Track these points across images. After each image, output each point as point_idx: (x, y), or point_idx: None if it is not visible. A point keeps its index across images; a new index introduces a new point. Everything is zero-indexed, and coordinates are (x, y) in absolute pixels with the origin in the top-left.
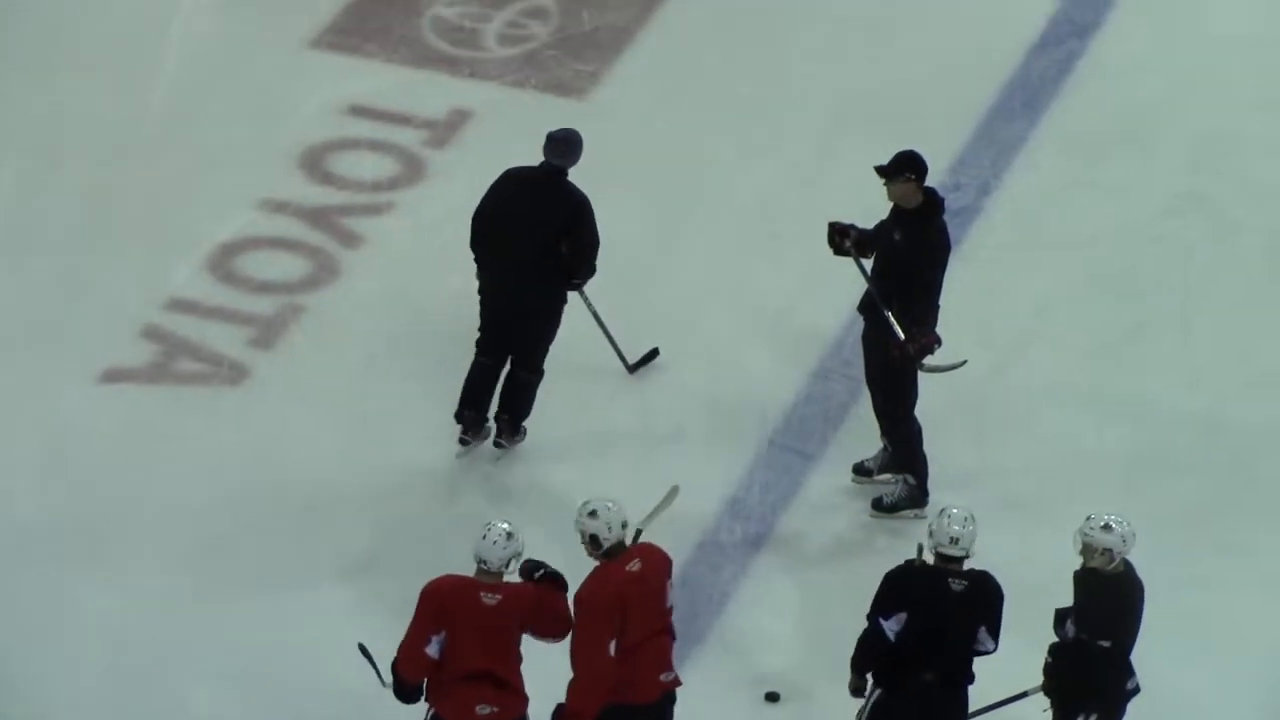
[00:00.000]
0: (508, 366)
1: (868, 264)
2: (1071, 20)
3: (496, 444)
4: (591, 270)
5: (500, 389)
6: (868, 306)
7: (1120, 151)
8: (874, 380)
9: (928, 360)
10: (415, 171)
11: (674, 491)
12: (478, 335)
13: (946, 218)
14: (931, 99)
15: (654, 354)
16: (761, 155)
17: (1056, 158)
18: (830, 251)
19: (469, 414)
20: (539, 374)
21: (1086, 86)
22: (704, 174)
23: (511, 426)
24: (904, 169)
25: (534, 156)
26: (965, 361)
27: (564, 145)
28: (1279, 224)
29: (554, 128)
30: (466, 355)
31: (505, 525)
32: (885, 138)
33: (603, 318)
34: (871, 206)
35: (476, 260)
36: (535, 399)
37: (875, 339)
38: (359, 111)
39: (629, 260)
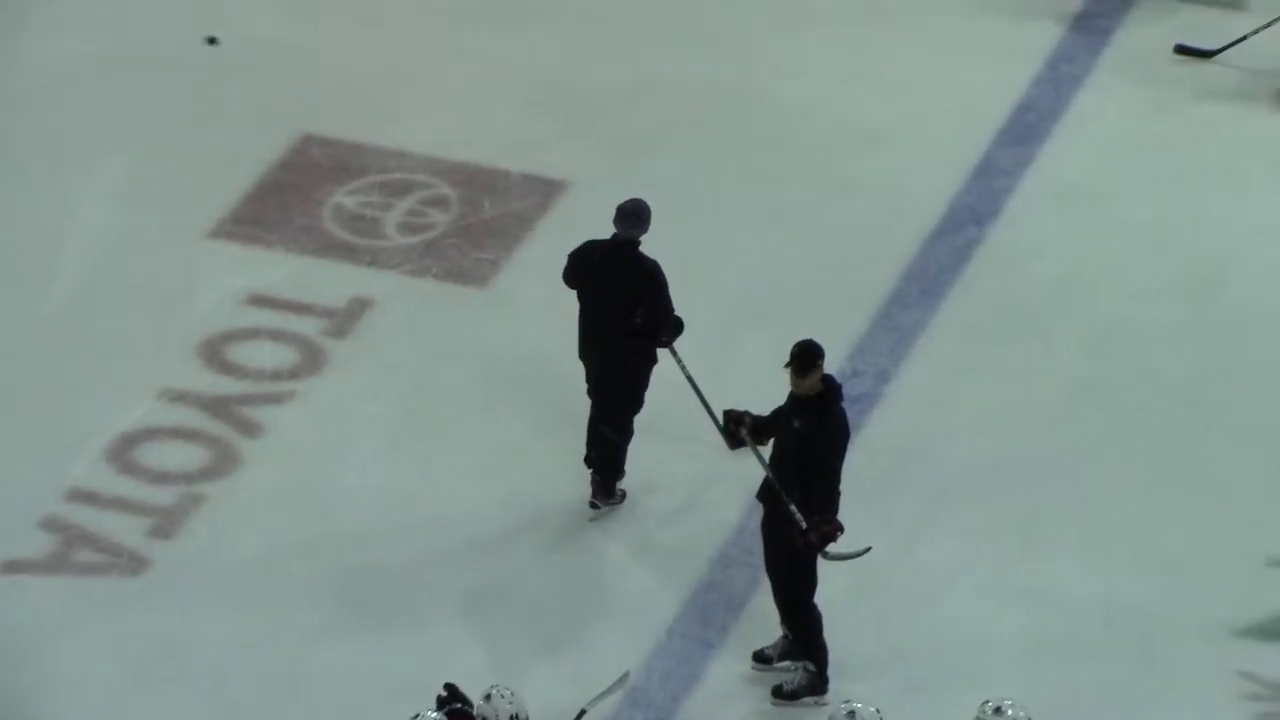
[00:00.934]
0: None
1: (765, 451)
2: (970, 208)
3: (591, 504)
4: (678, 328)
5: (593, 445)
6: (767, 494)
7: (1018, 338)
8: (774, 568)
9: (831, 548)
10: (315, 360)
11: (625, 677)
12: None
13: (846, 404)
14: (831, 287)
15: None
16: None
17: (955, 344)
18: (728, 443)
19: (594, 455)
20: (624, 434)
21: (984, 273)
22: None
23: (604, 488)
24: (815, 359)
25: (438, 343)
26: (869, 548)
27: (634, 217)
28: (1177, 410)
29: (455, 311)
30: (365, 544)
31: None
32: (786, 326)
33: (698, 381)
34: (774, 395)
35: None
36: (624, 461)
37: (775, 527)
38: (259, 301)
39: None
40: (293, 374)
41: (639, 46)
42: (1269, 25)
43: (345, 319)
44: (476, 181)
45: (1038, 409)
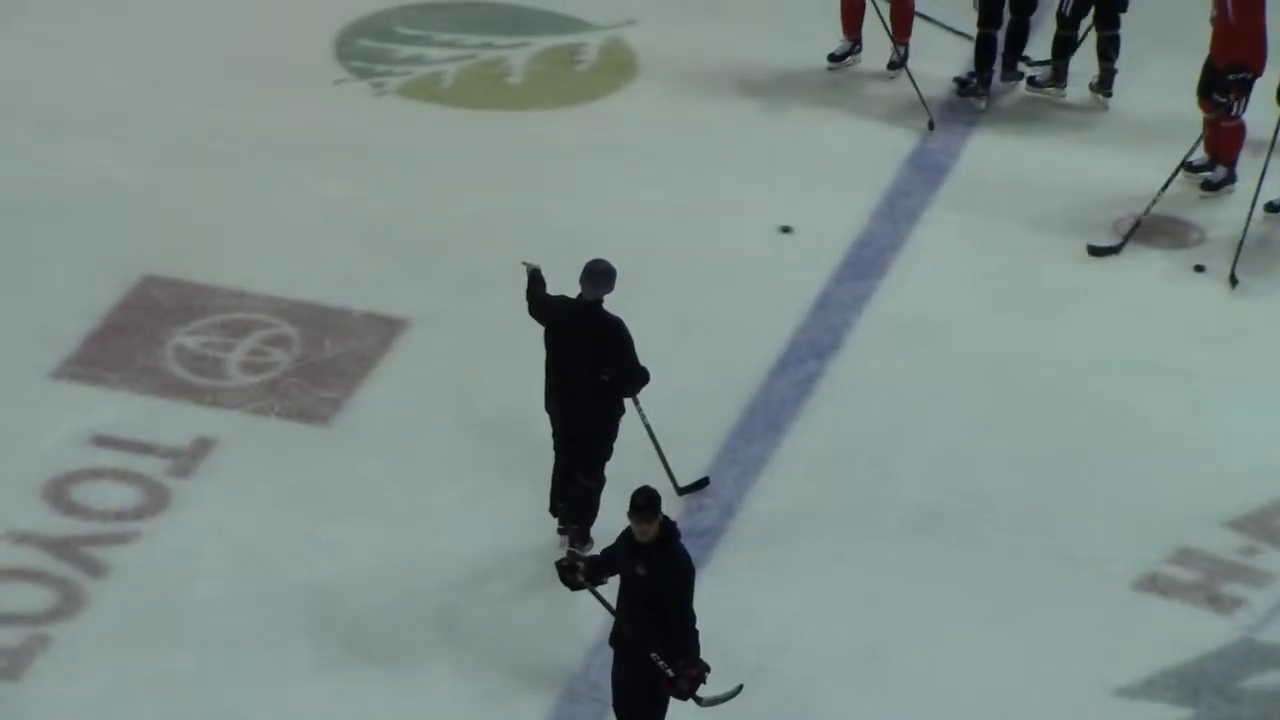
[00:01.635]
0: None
1: (604, 589)
2: (810, 342)
3: (570, 553)
4: (644, 380)
5: (567, 497)
6: (618, 640)
7: (860, 470)
8: (622, 711)
9: (702, 692)
10: (160, 500)
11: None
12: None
13: (692, 539)
14: (675, 422)
15: (705, 482)
16: (503, 488)
17: (798, 476)
18: (568, 589)
19: (560, 505)
20: (597, 481)
21: (826, 406)
22: (442, 501)
23: (580, 535)
24: (658, 505)
25: (282, 481)
26: (741, 687)
27: (603, 277)
28: (1018, 540)
29: (298, 449)
30: (209, 684)
31: None
32: (631, 461)
33: (656, 434)
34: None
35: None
36: (598, 506)
37: (624, 671)
38: (102, 441)
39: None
40: (137, 514)
41: (477, 185)
42: (1165, 188)
43: (189, 458)
44: (318, 320)
45: (879, 541)
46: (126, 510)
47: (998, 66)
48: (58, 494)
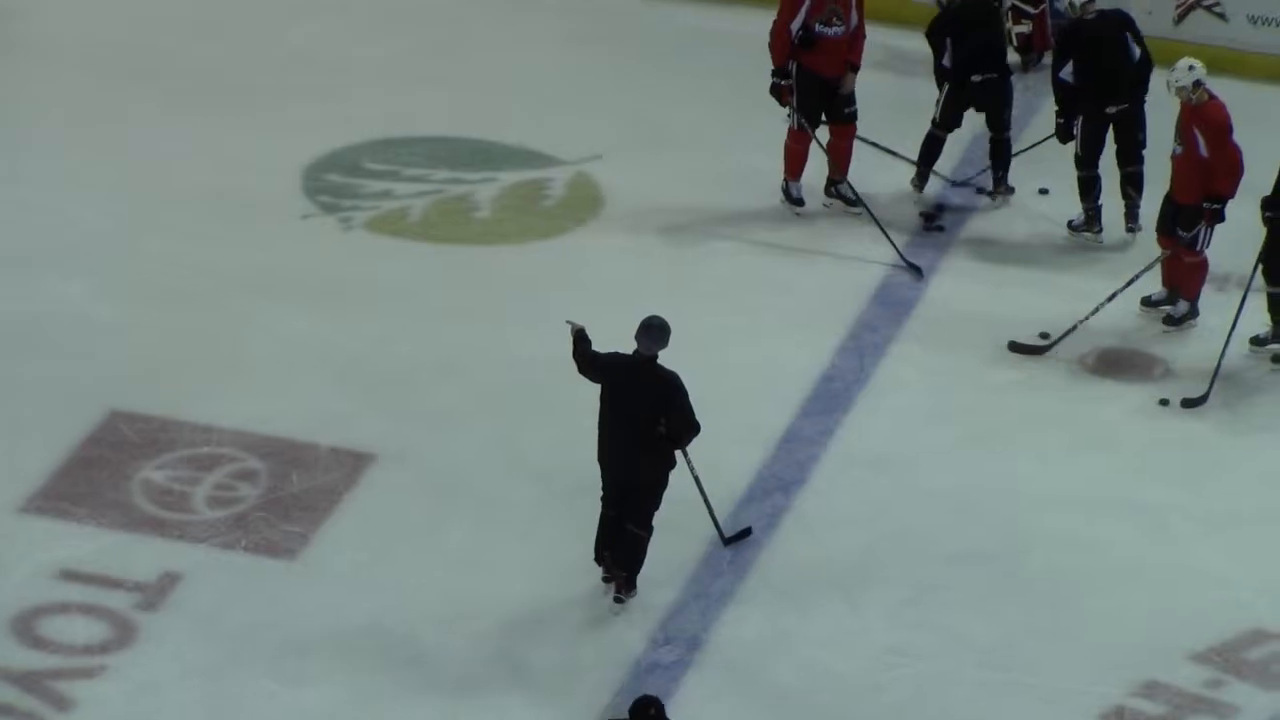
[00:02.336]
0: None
1: None
2: (776, 476)
3: (616, 599)
4: (697, 429)
5: (616, 545)
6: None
7: (827, 605)
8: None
9: None
10: (127, 634)
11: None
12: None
13: (659, 673)
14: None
15: (748, 532)
16: (473, 618)
17: (765, 611)
18: None
19: (606, 555)
20: (648, 530)
21: (792, 541)
22: (412, 634)
23: (629, 582)
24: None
25: (249, 615)
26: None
27: (660, 332)
28: (984, 675)
29: (266, 583)
30: None
31: None
32: (678, 512)
33: (704, 483)
34: None
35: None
36: (646, 555)
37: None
38: (70, 575)
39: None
40: (104, 648)
41: (444, 320)
42: (1110, 299)
43: (156, 592)
44: (285, 455)
45: (847, 676)
46: (94, 644)
47: (987, 183)
48: (25, 627)
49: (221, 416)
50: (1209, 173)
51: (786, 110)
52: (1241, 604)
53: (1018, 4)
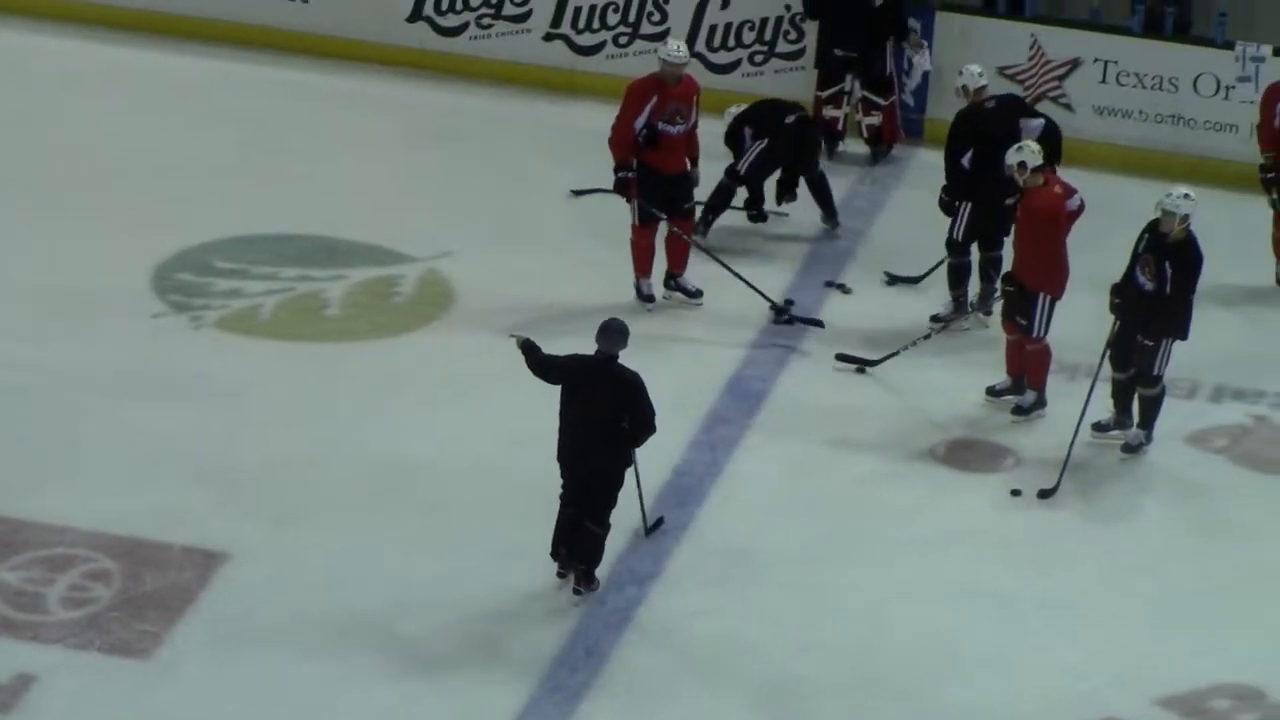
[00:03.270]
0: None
1: None
2: (631, 569)
3: (576, 591)
4: (652, 430)
5: (574, 543)
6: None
7: (684, 699)
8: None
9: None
10: None
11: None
12: (560, 490)
13: None
14: (498, 647)
15: (660, 521)
16: (329, 714)
17: (620, 706)
18: None
19: (562, 551)
20: (604, 528)
21: (648, 635)
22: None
23: (587, 576)
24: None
25: (103, 716)
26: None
27: (619, 334)
28: None
29: (120, 684)
30: None
31: None
32: (457, 694)
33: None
34: None
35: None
36: (604, 550)
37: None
38: None
39: None
40: None
41: (296, 418)
42: (926, 338)
43: (9, 695)
44: (137, 554)
45: None
46: None
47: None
48: None
49: (74, 516)
50: (1036, 261)
51: (630, 206)
52: (1095, 693)
53: (868, 95)
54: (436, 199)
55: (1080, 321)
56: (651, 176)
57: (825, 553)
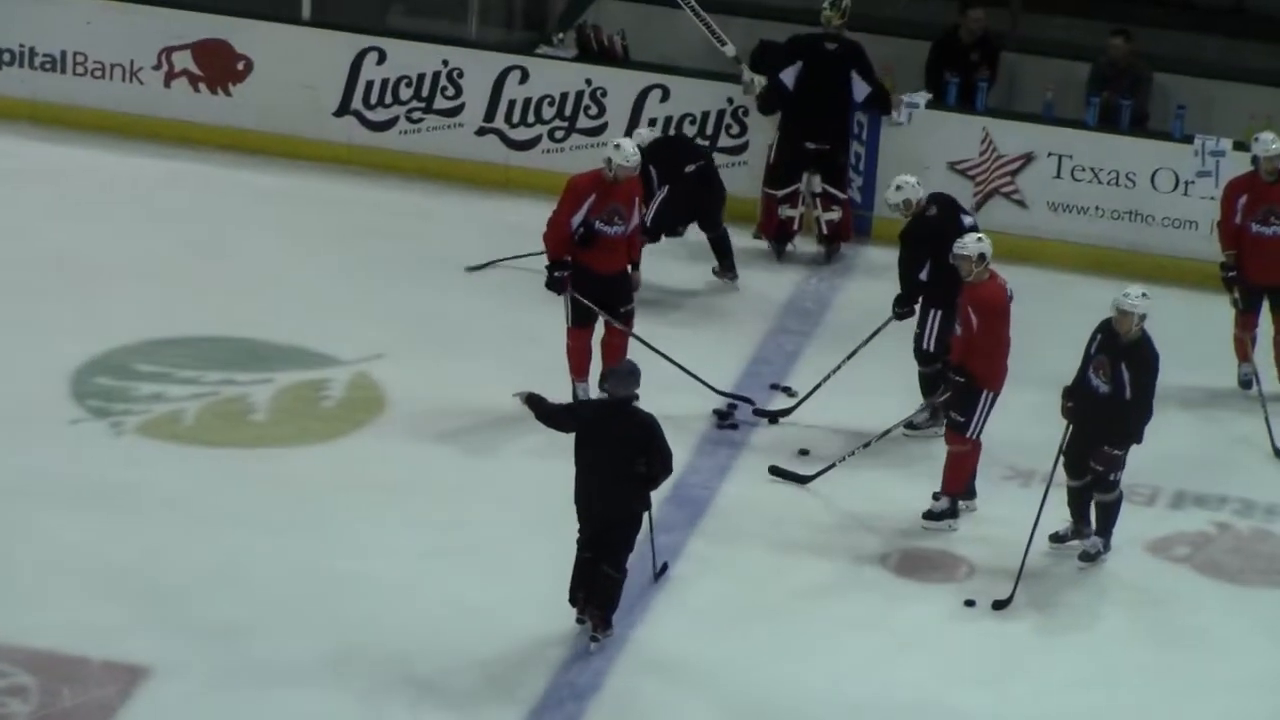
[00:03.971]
0: None
1: None
2: (570, 684)
3: (592, 638)
4: (669, 472)
5: (591, 588)
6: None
7: None
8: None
9: None
10: None
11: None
12: (577, 535)
13: None
14: None
15: (665, 567)
16: None
17: None
18: None
19: (580, 595)
20: (621, 573)
21: None
22: None
23: (605, 621)
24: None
25: None
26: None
27: (631, 377)
28: None
29: None
30: None
31: None
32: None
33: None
34: None
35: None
36: (620, 596)
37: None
38: None
39: None
40: None
41: (220, 527)
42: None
43: None
44: (55, 670)
45: None
46: None
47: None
48: None
49: None
50: (989, 352)
51: (565, 307)
52: None
53: (828, 189)
54: (366, 298)
55: (1028, 422)
56: (587, 276)
57: (773, 665)
